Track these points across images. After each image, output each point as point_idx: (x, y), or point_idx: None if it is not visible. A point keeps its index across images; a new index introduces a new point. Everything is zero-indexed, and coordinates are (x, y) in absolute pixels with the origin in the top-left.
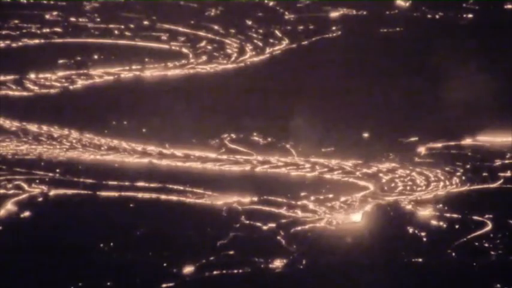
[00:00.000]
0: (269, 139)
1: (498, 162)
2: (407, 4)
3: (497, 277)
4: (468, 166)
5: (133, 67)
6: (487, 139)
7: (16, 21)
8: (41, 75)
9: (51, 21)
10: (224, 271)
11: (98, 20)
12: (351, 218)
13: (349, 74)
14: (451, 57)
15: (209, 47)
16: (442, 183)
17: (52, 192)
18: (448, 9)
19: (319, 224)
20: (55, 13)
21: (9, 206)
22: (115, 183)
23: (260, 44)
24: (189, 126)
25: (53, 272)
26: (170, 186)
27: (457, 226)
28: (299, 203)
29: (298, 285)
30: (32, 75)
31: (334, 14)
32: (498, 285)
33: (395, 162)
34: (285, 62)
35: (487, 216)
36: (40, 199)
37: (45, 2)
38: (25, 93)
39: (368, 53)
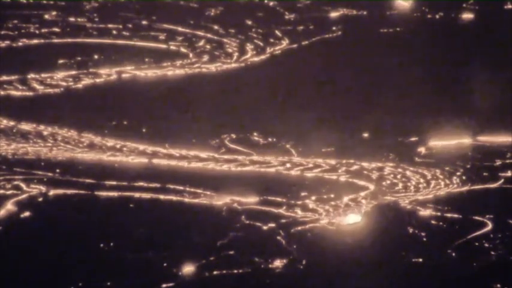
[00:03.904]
0: (269, 139)
1: (498, 162)
2: (407, 4)
3: (497, 277)
4: (468, 166)
5: (134, 67)
6: (487, 139)
7: (15, 21)
8: (40, 76)
9: (51, 21)
10: (224, 271)
11: (98, 20)
12: (351, 218)
13: (349, 74)
14: (451, 58)
15: (208, 47)
16: (442, 183)
17: (52, 192)
18: (448, 9)
19: (319, 224)
20: (54, 13)
21: (9, 206)
22: (115, 183)
23: (260, 44)
24: (189, 126)
25: (53, 272)
26: (170, 186)
27: (457, 226)
28: (299, 202)
29: (298, 285)
30: (32, 75)
31: (334, 14)
32: (498, 285)
33: (396, 162)
34: (285, 62)
35: (487, 216)
36: (40, 199)
37: (44, 2)
38: (25, 93)
39: (368, 53)
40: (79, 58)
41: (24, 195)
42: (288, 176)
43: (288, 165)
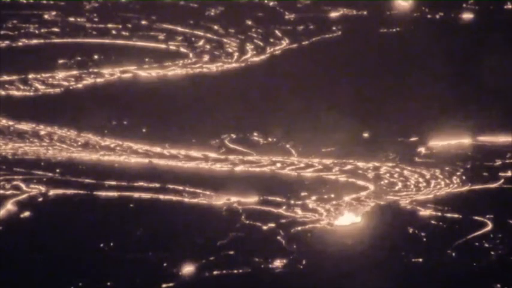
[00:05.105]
0: (269, 139)
1: (498, 162)
2: (407, 4)
3: (497, 277)
4: (468, 166)
5: (134, 67)
6: (488, 139)
7: (15, 21)
8: (40, 76)
9: (51, 21)
10: (224, 271)
11: (98, 20)
12: (350, 218)
13: (349, 74)
14: (451, 58)
15: (208, 47)
16: (442, 183)
17: (52, 192)
18: (448, 9)
19: (319, 224)
20: (54, 13)
21: (9, 206)
22: (115, 183)
23: (260, 44)
24: (189, 126)
25: (53, 272)
26: (170, 186)
27: (457, 226)
28: (299, 203)
29: (298, 285)
30: (32, 76)
31: (334, 14)
32: (498, 285)
33: (396, 162)
34: (285, 62)
35: (487, 216)
36: (40, 199)
37: (44, 2)
38: (25, 94)
39: (368, 53)
40: (79, 58)
41: (24, 195)
42: (287, 176)
43: (288, 165)
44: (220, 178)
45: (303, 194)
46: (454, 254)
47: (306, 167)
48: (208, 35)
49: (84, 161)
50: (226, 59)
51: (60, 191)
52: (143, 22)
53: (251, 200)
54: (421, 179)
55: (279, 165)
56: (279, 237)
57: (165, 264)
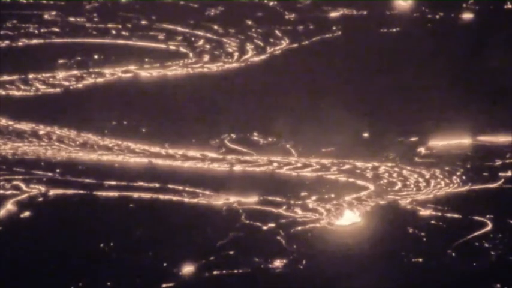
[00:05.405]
0: (269, 139)
1: (498, 162)
2: (407, 4)
3: (497, 277)
4: (468, 166)
5: (134, 67)
6: (488, 139)
7: (15, 21)
8: (40, 76)
9: (50, 21)
10: (224, 271)
11: (98, 20)
12: (351, 218)
13: (349, 73)
14: (451, 58)
15: (208, 47)
16: (442, 183)
17: (51, 192)
18: (448, 9)
19: (319, 224)
20: (54, 13)
21: (9, 206)
22: (114, 183)
23: (260, 44)
24: (189, 126)
25: (53, 272)
26: (170, 186)
27: (457, 226)
28: (299, 202)
29: (298, 285)
30: (32, 76)
31: (334, 14)
32: (498, 285)
33: (395, 162)
34: (285, 62)
35: (487, 216)
36: (40, 199)
37: (44, 2)
38: (24, 93)
39: (368, 53)
40: (79, 58)
41: (24, 195)
42: (287, 176)
43: (288, 165)
44: (220, 178)
45: (302, 194)
46: (454, 254)
47: (306, 166)
48: (208, 35)
49: (84, 161)
50: (227, 59)
51: (60, 191)
52: (143, 22)
53: (251, 200)
54: (421, 179)
55: (278, 165)
56: (279, 237)
57: (165, 264)
